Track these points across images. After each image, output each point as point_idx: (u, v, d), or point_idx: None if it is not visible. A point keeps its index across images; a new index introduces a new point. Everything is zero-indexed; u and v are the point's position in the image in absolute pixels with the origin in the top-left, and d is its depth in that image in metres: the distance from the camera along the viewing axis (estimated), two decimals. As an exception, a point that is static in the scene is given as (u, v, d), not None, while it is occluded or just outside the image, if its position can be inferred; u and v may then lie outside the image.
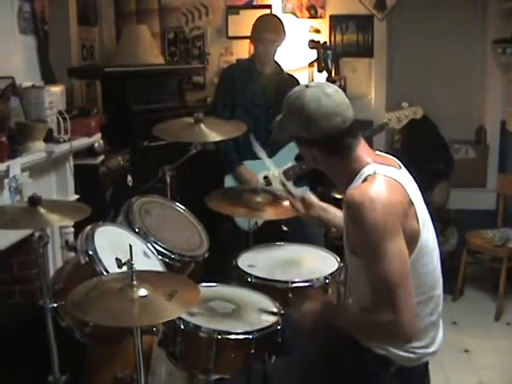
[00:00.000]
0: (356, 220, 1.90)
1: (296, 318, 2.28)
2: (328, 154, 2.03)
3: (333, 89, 2.03)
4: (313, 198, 2.61)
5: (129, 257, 2.04)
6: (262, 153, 3.12)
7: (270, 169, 3.94)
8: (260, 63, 4.01)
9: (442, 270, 2.12)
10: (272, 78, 4.01)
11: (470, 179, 5.20)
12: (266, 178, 3.99)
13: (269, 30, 3.92)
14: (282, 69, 4.11)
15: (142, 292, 1.98)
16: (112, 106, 4.27)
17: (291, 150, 3.97)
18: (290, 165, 3.99)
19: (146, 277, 2.12)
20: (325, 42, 3.41)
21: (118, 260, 2.11)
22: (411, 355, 2.04)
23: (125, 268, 2.08)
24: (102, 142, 3.72)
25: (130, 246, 2.07)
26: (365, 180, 1.96)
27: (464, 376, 3.61)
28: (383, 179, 1.94)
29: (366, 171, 1.98)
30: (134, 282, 2.01)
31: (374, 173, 1.96)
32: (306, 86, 2.04)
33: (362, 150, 2.04)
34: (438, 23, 5.16)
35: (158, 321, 2.04)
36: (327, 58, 3.40)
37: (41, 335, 2.42)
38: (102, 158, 3.77)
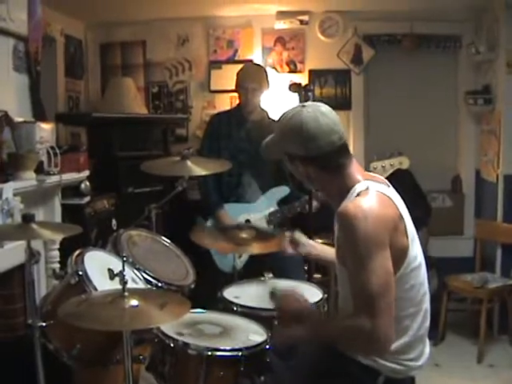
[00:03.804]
0: (348, 231, 1.97)
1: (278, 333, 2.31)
2: (323, 171, 2.10)
3: (327, 108, 2.13)
4: (301, 238, 2.71)
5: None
6: None
7: (251, 213, 4.03)
8: (245, 111, 4.09)
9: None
10: (257, 124, 4.06)
11: (448, 227, 5.31)
12: (247, 221, 4.04)
13: (250, 79, 4.04)
14: (268, 116, 4.17)
15: (134, 302, 2.00)
16: (98, 152, 4.33)
17: (273, 195, 4.08)
18: (271, 210, 4.06)
19: (137, 291, 2.16)
20: (306, 85, 3.52)
21: (110, 271, 2.13)
22: (399, 367, 2.06)
23: (116, 280, 2.11)
24: (88, 183, 3.78)
25: (123, 257, 2.11)
26: (358, 195, 2.04)
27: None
28: (375, 194, 2.02)
29: (359, 187, 2.05)
30: (126, 294, 2.03)
31: (367, 188, 2.04)
32: (302, 106, 2.12)
33: (354, 167, 2.12)
34: (412, 77, 5.38)
35: (149, 326, 2.06)
36: (308, 99, 3.51)
37: (27, 361, 2.41)
38: (87, 199, 3.82)
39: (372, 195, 2.01)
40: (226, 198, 4.07)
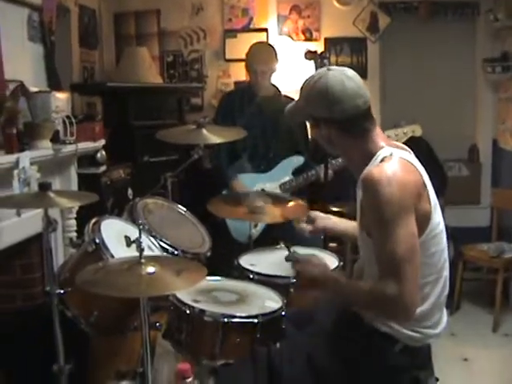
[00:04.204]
0: (372, 196, 1.96)
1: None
2: (346, 135, 2.10)
3: (352, 72, 2.13)
4: (315, 213, 2.71)
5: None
6: None
7: (266, 182, 4.03)
8: (255, 89, 4.12)
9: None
10: (269, 100, 4.11)
11: (464, 196, 5.28)
12: (262, 191, 4.04)
13: (260, 61, 4.04)
14: (279, 92, 4.21)
15: (150, 269, 2.00)
16: (113, 121, 4.34)
17: (288, 164, 4.08)
18: (286, 179, 4.07)
19: (154, 258, 2.16)
20: (322, 53, 3.50)
21: (126, 238, 2.14)
22: (417, 335, 2.06)
23: (133, 247, 2.12)
24: (103, 152, 3.79)
25: (139, 225, 2.12)
26: (382, 161, 2.03)
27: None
28: (399, 160, 2.01)
29: (383, 153, 2.05)
30: (142, 261, 2.03)
31: (391, 154, 2.03)
32: (328, 69, 2.12)
33: (378, 133, 2.12)
34: (428, 45, 5.31)
35: (165, 292, 2.07)
36: (324, 67, 3.47)
37: (45, 329, 2.44)
38: (103, 168, 3.84)
39: (396, 161, 2.01)
40: (241, 169, 4.09)
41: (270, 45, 4.30)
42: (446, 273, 2.14)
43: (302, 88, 2.18)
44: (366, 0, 5.20)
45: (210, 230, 3.14)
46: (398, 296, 1.89)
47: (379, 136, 2.12)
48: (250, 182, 4.03)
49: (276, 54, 4.11)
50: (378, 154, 2.06)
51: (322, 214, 2.70)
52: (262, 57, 4.08)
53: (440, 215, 2.09)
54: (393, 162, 2.00)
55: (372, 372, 2.10)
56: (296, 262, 2.32)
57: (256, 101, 4.10)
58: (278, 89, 4.21)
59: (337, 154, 2.36)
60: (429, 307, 2.07)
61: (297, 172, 4.09)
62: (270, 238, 3.80)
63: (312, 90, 2.11)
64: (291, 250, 2.46)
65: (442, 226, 2.10)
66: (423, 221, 1.99)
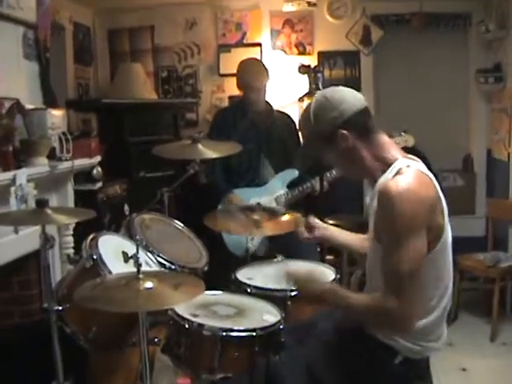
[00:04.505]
0: (386, 209, 1.96)
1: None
2: (356, 138, 2.08)
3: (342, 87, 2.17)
4: (315, 221, 2.71)
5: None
6: None
7: (262, 196, 4.05)
8: (249, 104, 4.14)
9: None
10: (263, 114, 4.15)
11: (459, 206, 5.27)
12: (258, 204, 4.05)
13: (254, 78, 4.07)
14: (271, 106, 4.24)
15: (148, 284, 2.00)
16: (109, 137, 4.35)
17: (283, 178, 4.10)
18: (282, 192, 4.08)
19: (151, 273, 2.17)
20: (315, 67, 3.53)
21: (124, 254, 2.15)
22: (417, 347, 2.07)
23: (131, 263, 2.13)
24: (99, 169, 3.80)
25: (137, 240, 2.13)
26: (398, 172, 2.01)
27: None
28: (417, 173, 2.01)
29: (399, 164, 2.04)
30: (140, 276, 2.04)
31: (408, 166, 2.02)
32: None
33: (390, 143, 2.13)
34: (421, 57, 5.35)
35: (163, 306, 2.07)
36: (318, 80, 3.53)
37: (43, 345, 2.44)
38: (100, 184, 3.85)
39: (413, 174, 1.99)
40: (236, 184, 4.10)
41: (260, 60, 4.33)
42: (451, 286, 2.15)
43: (300, 126, 2.23)
44: (359, 13, 5.24)
45: (207, 243, 3.15)
46: (396, 309, 1.92)
47: (391, 144, 2.13)
48: (245, 196, 4.05)
49: (266, 70, 4.13)
50: (394, 164, 2.05)
51: (321, 223, 2.71)
52: (253, 73, 4.10)
53: (450, 228, 2.09)
54: (410, 175, 1.99)
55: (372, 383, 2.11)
56: (295, 280, 2.32)
57: (249, 116, 4.12)
58: (269, 104, 4.24)
59: (347, 169, 2.34)
60: (434, 319, 2.08)
61: (292, 185, 4.11)
62: (267, 250, 3.83)
63: (311, 113, 2.12)
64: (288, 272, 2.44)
65: (450, 240, 2.10)
66: (436, 233, 1.99)
